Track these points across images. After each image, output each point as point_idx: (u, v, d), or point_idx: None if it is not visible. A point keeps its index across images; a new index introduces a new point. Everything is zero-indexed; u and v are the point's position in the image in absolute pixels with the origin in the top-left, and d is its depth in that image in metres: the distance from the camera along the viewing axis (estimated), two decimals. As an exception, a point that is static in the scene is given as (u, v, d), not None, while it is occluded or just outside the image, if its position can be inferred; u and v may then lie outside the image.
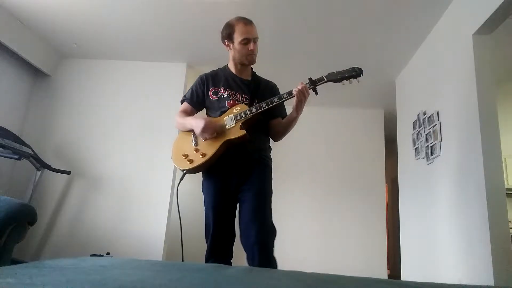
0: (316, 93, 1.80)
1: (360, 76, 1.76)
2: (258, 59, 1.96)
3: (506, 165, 4.13)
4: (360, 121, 5.16)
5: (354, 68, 1.77)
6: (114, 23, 3.53)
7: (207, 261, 1.80)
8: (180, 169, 1.85)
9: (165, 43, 3.86)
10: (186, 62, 4.20)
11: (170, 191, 3.88)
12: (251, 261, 1.71)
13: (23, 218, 1.74)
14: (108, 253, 3.43)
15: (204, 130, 1.78)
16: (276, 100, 1.80)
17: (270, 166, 1.95)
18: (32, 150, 3.46)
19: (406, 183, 3.88)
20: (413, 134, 3.59)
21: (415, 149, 3.52)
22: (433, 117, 3.11)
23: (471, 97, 2.49)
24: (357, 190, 4.89)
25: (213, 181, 1.87)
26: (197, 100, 1.98)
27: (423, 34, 3.33)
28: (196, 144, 1.83)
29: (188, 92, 2.01)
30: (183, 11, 3.24)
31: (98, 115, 4.11)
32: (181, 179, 1.88)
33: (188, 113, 1.97)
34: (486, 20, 2.35)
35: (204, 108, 2.02)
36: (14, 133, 3.46)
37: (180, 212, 1.88)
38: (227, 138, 1.79)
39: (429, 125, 3.18)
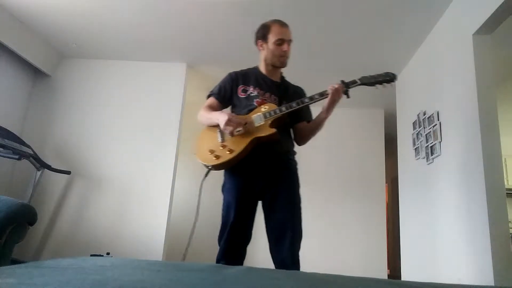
0: (348, 96, 1.78)
1: (393, 81, 1.77)
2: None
3: (506, 165, 4.14)
4: (360, 121, 5.16)
5: (387, 73, 1.79)
6: (114, 23, 3.53)
7: (218, 262, 1.76)
8: (205, 165, 1.79)
9: (165, 43, 3.86)
10: (186, 62, 4.19)
11: (170, 191, 3.88)
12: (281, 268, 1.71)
13: (23, 218, 1.74)
14: (108, 253, 3.43)
15: (228, 123, 1.71)
16: (307, 100, 1.78)
17: (297, 171, 1.92)
18: (32, 150, 3.46)
19: (406, 183, 3.88)
20: (413, 134, 3.59)
21: (415, 149, 3.52)
22: (433, 117, 3.11)
23: (471, 97, 2.49)
24: (357, 190, 4.88)
25: (237, 180, 1.82)
26: (224, 95, 1.93)
27: (423, 34, 3.33)
28: (223, 140, 1.78)
29: (215, 87, 1.98)
30: (183, 11, 3.24)
31: (98, 115, 4.11)
32: (205, 175, 1.82)
33: (214, 108, 1.91)
34: (486, 20, 2.35)
35: (230, 106, 1.98)
36: (14, 133, 3.46)
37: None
38: (256, 136, 1.74)
39: (429, 125, 3.18)
